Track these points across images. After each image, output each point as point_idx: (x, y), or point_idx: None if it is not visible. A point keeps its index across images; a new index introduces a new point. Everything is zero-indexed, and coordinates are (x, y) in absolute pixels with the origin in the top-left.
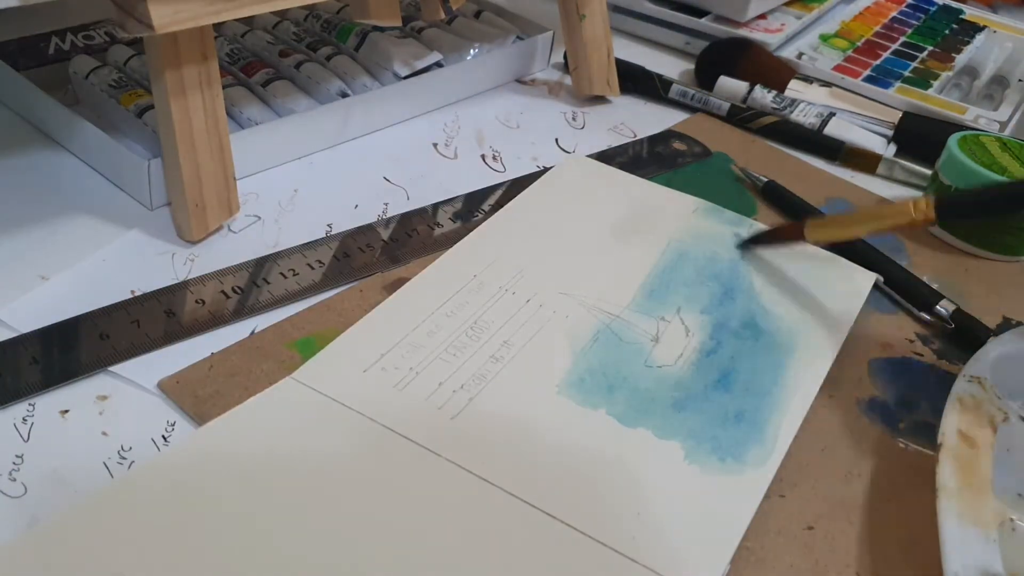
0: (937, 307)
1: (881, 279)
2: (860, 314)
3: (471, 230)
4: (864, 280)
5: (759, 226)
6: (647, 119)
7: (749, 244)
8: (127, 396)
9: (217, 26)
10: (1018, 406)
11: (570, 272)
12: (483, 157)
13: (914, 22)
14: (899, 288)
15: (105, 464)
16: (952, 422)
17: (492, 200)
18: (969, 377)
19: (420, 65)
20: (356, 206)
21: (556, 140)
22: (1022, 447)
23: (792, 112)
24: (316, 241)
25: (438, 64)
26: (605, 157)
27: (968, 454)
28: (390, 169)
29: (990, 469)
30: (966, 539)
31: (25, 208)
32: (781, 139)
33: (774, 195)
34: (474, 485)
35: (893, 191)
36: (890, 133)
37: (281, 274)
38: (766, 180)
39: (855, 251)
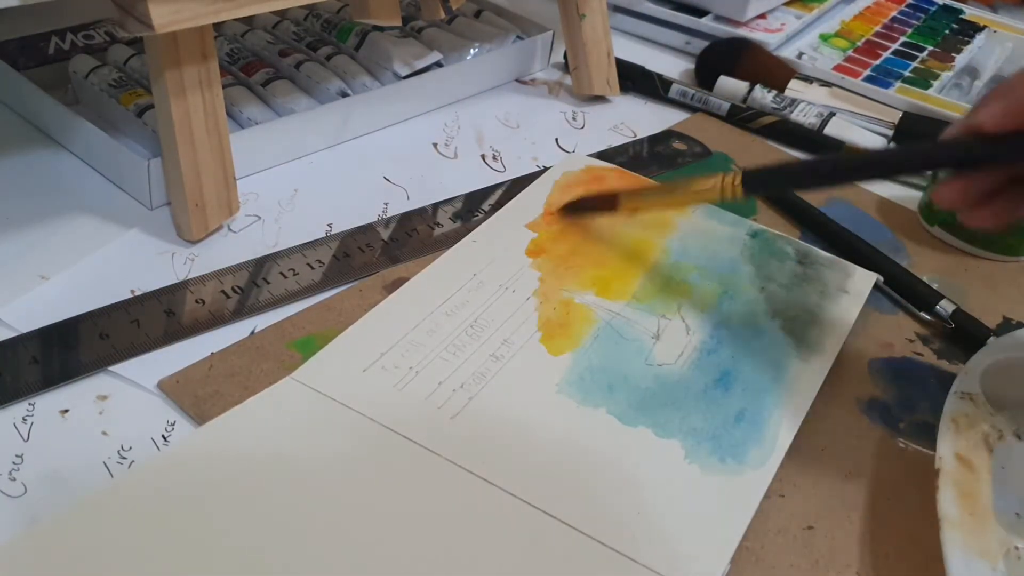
0: (937, 307)
1: (881, 279)
2: (860, 314)
3: (471, 230)
4: (864, 280)
5: (757, 226)
6: (647, 119)
7: (566, 210)
8: (127, 396)
9: (217, 26)
10: (1007, 418)
11: (571, 269)
12: (483, 157)
13: (914, 22)
14: (899, 288)
15: (105, 464)
16: (948, 445)
17: (492, 200)
18: (961, 394)
19: (420, 65)
20: (356, 206)
21: (556, 140)
22: (1017, 465)
23: (792, 112)
24: (316, 241)
25: (438, 64)
26: (605, 157)
27: (967, 479)
28: (390, 169)
29: (990, 492)
30: (973, 573)
31: (25, 208)
32: (781, 139)
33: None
34: (474, 485)
35: (893, 191)
36: (890, 133)
37: (281, 274)
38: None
39: (855, 251)
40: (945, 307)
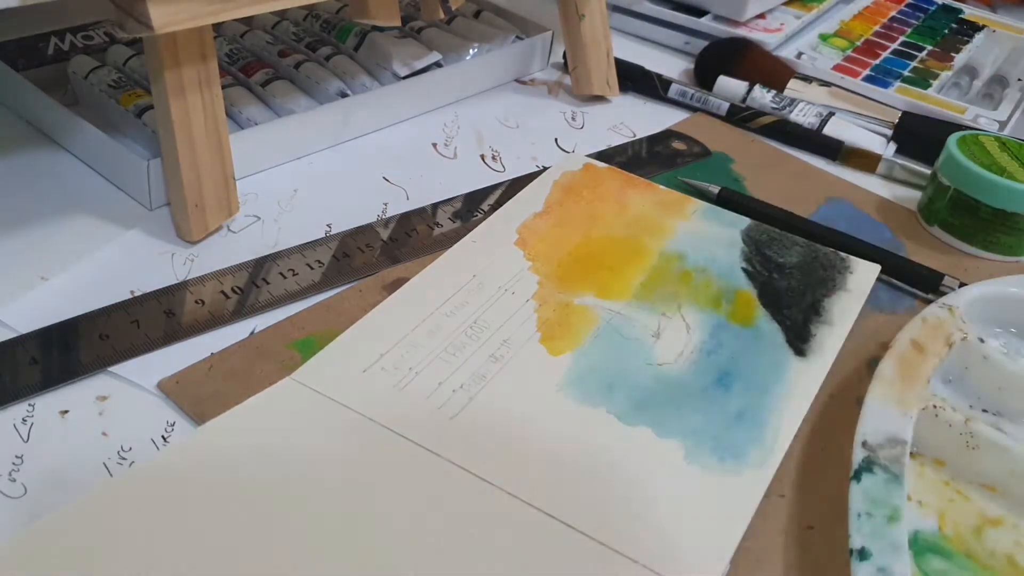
0: (942, 286)
1: (879, 268)
2: (860, 314)
3: (471, 230)
4: (865, 275)
5: (756, 226)
6: (646, 119)
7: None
8: (127, 396)
9: (216, 26)
10: (1000, 344)
11: (570, 271)
12: (483, 157)
13: (913, 21)
14: (902, 276)
15: (105, 464)
16: (908, 332)
17: (491, 200)
18: (941, 304)
19: (419, 65)
20: (356, 206)
21: (556, 140)
22: (977, 366)
23: (791, 112)
24: (315, 241)
25: (437, 64)
26: (605, 157)
27: (913, 357)
28: (390, 169)
29: (930, 371)
30: (884, 413)
31: (25, 208)
32: (781, 139)
33: (731, 201)
34: (473, 485)
35: (893, 191)
36: (889, 133)
37: (280, 274)
38: (720, 188)
39: (851, 249)
40: (950, 284)
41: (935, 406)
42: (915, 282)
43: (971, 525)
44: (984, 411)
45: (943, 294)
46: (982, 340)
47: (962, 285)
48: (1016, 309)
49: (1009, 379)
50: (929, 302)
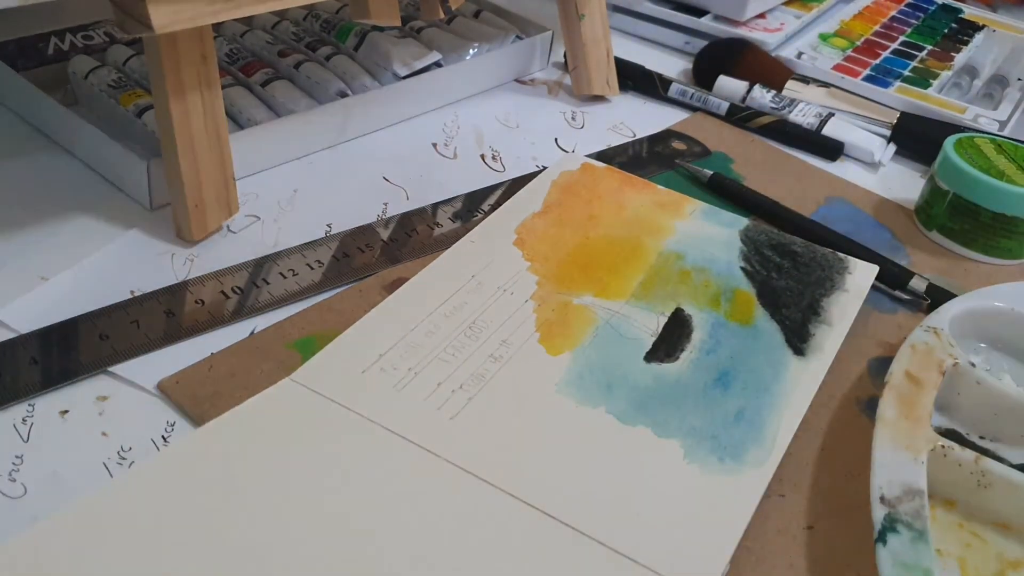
0: (910, 284)
1: (877, 268)
2: (860, 314)
3: (471, 230)
4: (864, 275)
5: (755, 226)
6: (646, 118)
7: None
8: (127, 396)
9: (216, 26)
10: (981, 360)
11: (569, 270)
12: (483, 157)
13: (913, 21)
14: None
15: (105, 464)
16: (901, 364)
17: (492, 200)
18: (926, 327)
19: (419, 65)
20: (356, 206)
21: (556, 140)
22: (970, 391)
23: (791, 112)
24: (315, 241)
25: (437, 64)
26: (605, 157)
27: (911, 391)
28: (390, 169)
29: (930, 405)
30: (896, 460)
31: (25, 208)
32: (780, 139)
33: (721, 187)
34: (473, 485)
35: (893, 192)
36: (888, 133)
37: (280, 274)
38: (712, 173)
39: (829, 243)
40: (918, 284)
41: (943, 446)
42: (884, 278)
43: (992, 570)
44: (981, 438)
45: (911, 291)
46: (973, 364)
47: (930, 285)
48: (999, 324)
49: (1004, 404)
50: (909, 300)
